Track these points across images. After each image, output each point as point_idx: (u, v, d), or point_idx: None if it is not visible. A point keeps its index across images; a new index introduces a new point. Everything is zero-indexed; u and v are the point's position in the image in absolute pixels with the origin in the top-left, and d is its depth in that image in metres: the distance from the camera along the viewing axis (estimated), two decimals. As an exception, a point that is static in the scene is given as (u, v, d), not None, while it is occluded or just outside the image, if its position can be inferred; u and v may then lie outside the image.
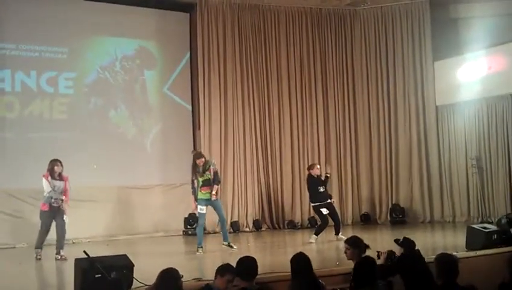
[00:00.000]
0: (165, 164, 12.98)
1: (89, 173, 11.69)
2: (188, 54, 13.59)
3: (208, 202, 9.60)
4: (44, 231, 9.18)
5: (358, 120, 14.40)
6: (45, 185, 9.11)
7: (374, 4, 14.29)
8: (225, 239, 9.74)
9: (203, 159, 9.74)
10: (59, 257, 8.90)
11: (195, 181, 9.65)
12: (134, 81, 13.07)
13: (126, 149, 12.65)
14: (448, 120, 13.56)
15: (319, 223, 11.29)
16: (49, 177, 9.13)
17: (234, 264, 5.38)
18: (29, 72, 11.91)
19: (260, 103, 13.63)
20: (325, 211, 10.51)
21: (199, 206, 9.59)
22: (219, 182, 10.09)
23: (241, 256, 5.58)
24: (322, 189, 10.64)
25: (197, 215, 9.90)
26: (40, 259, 8.92)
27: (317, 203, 10.62)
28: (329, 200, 10.69)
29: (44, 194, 9.10)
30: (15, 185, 11.18)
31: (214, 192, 9.54)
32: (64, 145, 11.75)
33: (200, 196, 9.58)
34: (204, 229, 12.39)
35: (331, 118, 14.20)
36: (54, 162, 9.24)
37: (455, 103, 13.29)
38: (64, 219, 9.16)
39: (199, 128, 13.26)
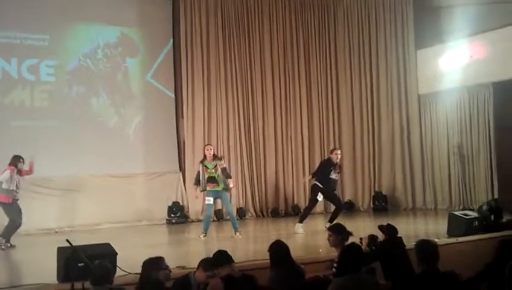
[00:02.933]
0: (148, 153, 12.93)
1: (70, 162, 11.62)
2: (171, 42, 13.50)
3: (216, 193, 9.72)
4: (18, 215, 9.24)
5: (341, 108, 14.47)
6: (6, 177, 9.17)
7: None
8: (235, 229, 9.77)
9: (212, 152, 9.86)
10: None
11: (201, 172, 9.75)
12: (117, 68, 12.96)
13: (108, 138, 12.57)
14: (430, 108, 13.64)
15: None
16: (15, 172, 9.25)
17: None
18: (10, 60, 11.79)
19: (243, 91, 13.62)
20: (320, 196, 10.38)
21: (207, 197, 9.77)
22: (230, 176, 10.05)
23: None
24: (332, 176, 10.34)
25: (206, 205, 9.96)
26: (3, 249, 8.98)
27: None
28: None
29: (4, 186, 9.14)
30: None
31: (231, 185, 9.81)
32: (46, 134, 11.67)
33: (207, 188, 9.74)
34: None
35: (314, 107, 14.25)
36: (17, 158, 9.42)
37: (437, 91, 13.36)
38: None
39: (182, 117, 13.21)
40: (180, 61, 13.22)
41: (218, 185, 9.67)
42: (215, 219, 12.61)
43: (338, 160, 10.48)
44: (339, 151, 10.70)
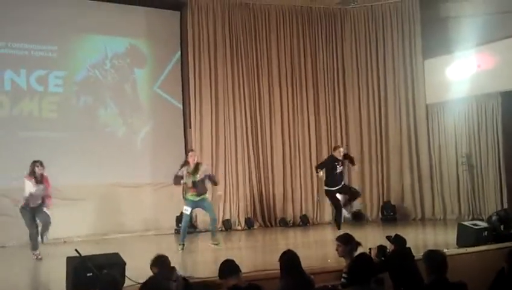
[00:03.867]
0: (156, 163, 12.94)
1: (79, 172, 11.65)
2: (179, 53, 13.56)
3: (196, 203, 9.57)
4: (30, 225, 8.85)
5: (348, 118, 14.44)
6: (27, 186, 8.84)
7: (364, 3, 14.34)
8: (212, 237, 9.73)
9: (195, 158, 9.66)
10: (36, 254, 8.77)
11: (183, 174, 9.53)
12: (125, 79, 13.02)
13: (116, 148, 12.61)
14: (438, 118, 13.62)
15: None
16: (33, 180, 8.86)
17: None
18: (19, 71, 11.86)
19: (251, 102, 13.63)
20: (339, 196, 10.61)
21: (184, 207, 9.56)
22: (217, 183, 10.10)
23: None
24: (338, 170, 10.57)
25: (183, 215, 9.77)
26: (41, 259, 8.76)
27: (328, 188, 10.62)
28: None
29: (25, 194, 8.85)
30: (4, 184, 11.10)
31: (219, 192, 9.66)
32: (54, 144, 11.71)
33: (187, 196, 9.53)
34: (195, 227, 12.50)
35: (322, 117, 14.23)
36: (34, 163, 8.97)
37: (445, 101, 13.35)
38: (45, 209, 8.93)
39: (190, 127, 13.23)
40: (187, 72, 13.27)
41: (196, 192, 9.42)
42: (223, 228, 12.62)
43: (341, 157, 10.68)
44: (341, 149, 10.93)
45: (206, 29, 13.32)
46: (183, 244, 9.43)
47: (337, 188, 10.55)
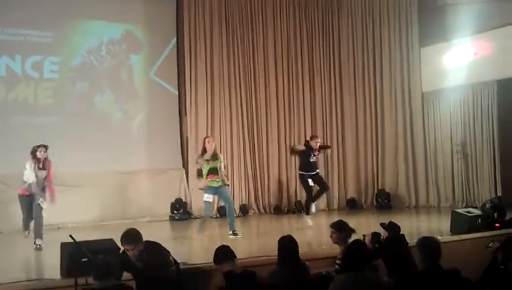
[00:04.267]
0: (151, 149, 12.93)
1: (74, 159, 11.62)
2: (175, 39, 13.49)
3: (215, 190, 9.43)
4: (26, 216, 8.75)
5: (344, 107, 14.43)
6: (27, 173, 8.57)
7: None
8: (231, 228, 9.43)
9: (212, 144, 9.59)
10: (35, 245, 8.42)
11: (201, 163, 9.44)
12: (121, 65, 12.97)
13: (112, 134, 12.58)
14: (434, 106, 13.64)
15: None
16: (34, 166, 8.56)
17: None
18: (14, 57, 11.77)
19: (247, 88, 13.60)
20: (310, 181, 11.16)
21: (205, 195, 9.39)
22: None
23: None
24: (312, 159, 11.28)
25: (204, 203, 9.58)
26: (26, 237, 8.77)
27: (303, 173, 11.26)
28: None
29: (25, 179, 8.59)
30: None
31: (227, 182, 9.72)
32: (50, 130, 11.66)
33: (208, 183, 9.33)
34: (190, 214, 12.53)
35: (318, 105, 14.22)
36: (36, 147, 8.66)
37: (441, 89, 13.36)
38: (40, 202, 8.56)
39: (186, 113, 13.21)
40: (183, 59, 13.22)
41: (218, 177, 9.33)
42: (218, 215, 12.64)
43: (316, 147, 11.42)
44: (318, 140, 11.76)
45: (203, 16, 13.25)
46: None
47: (310, 173, 11.13)
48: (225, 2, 13.49)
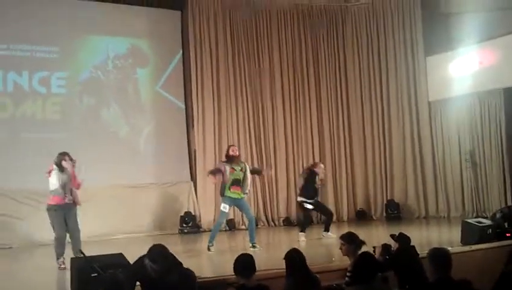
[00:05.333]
0: (159, 163, 12.95)
1: (83, 173, 11.60)
2: (180, 52, 13.57)
3: (234, 201, 9.24)
4: (59, 227, 7.93)
5: (351, 117, 14.41)
6: (52, 180, 8.02)
7: (365, 0, 14.32)
8: (251, 240, 9.29)
9: (237, 152, 9.35)
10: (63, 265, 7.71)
11: (227, 173, 9.13)
12: (127, 79, 13.04)
13: (119, 148, 12.61)
14: (441, 115, 13.59)
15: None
16: (56, 169, 8.02)
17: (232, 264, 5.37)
18: (21, 72, 11.89)
19: (253, 100, 13.63)
20: (309, 206, 10.62)
21: (223, 204, 9.18)
22: (260, 172, 10.36)
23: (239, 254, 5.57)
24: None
25: (220, 212, 9.39)
26: (64, 268, 7.64)
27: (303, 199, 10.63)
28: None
29: (51, 187, 8.03)
30: (7, 185, 11.14)
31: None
32: (57, 145, 11.52)
33: (227, 193, 9.14)
34: (199, 227, 12.52)
35: (325, 116, 14.21)
36: (62, 155, 8.18)
37: (448, 98, 13.32)
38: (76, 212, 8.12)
39: (193, 126, 13.24)
40: (189, 71, 13.27)
41: (241, 190, 9.15)
42: (227, 228, 12.62)
43: (323, 174, 10.92)
44: (322, 166, 11.07)
45: (207, 28, 13.32)
46: (212, 245, 9.15)
47: (311, 200, 10.55)
48: (230, 14, 13.56)
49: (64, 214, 8.04)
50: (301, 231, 10.41)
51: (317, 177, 10.71)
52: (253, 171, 9.78)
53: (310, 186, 10.62)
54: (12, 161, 11.29)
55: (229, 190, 9.13)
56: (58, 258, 7.83)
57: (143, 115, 13.13)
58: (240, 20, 13.66)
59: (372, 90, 14.29)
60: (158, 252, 5.18)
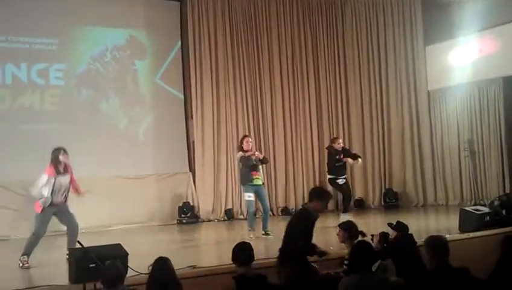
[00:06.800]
0: (158, 154, 12.95)
1: (81, 165, 11.58)
2: (179, 43, 13.52)
3: (256, 188, 9.32)
4: (40, 226, 7.64)
5: (350, 106, 14.42)
6: (41, 183, 7.60)
7: (364, -11, 14.30)
8: (264, 228, 9.45)
9: (250, 143, 9.53)
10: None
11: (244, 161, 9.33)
12: (126, 71, 13.00)
13: (118, 140, 12.59)
14: (440, 104, 13.59)
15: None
16: (54, 174, 7.64)
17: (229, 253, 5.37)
18: (20, 64, 11.85)
19: (252, 91, 13.62)
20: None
21: (247, 194, 9.32)
22: (267, 161, 10.37)
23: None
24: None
25: (246, 202, 9.60)
26: (28, 267, 7.37)
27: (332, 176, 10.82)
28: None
29: (41, 191, 7.61)
30: (6, 178, 11.14)
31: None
32: (56, 137, 11.59)
33: (252, 180, 9.29)
34: (198, 217, 12.56)
35: (324, 105, 14.21)
36: (58, 150, 7.79)
37: (447, 87, 13.31)
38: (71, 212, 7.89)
39: (192, 117, 13.23)
40: (188, 62, 13.25)
41: (260, 175, 9.35)
42: (225, 218, 12.67)
43: (340, 148, 10.91)
44: (340, 140, 11.21)
45: (206, 19, 13.28)
46: (253, 229, 9.28)
47: (340, 177, 10.73)
48: (228, 5, 13.51)
49: (53, 213, 7.81)
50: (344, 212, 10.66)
51: (338, 155, 10.75)
52: (262, 162, 9.85)
53: (333, 164, 10.82)
54: (11, 153, 11.29)
55: (251, 177, 9.26)
56: (23, 255, 7.44)
57: (142, 106, 13.11)
58: (239, 11, 13.61)
59: (372, 79, 14.28)
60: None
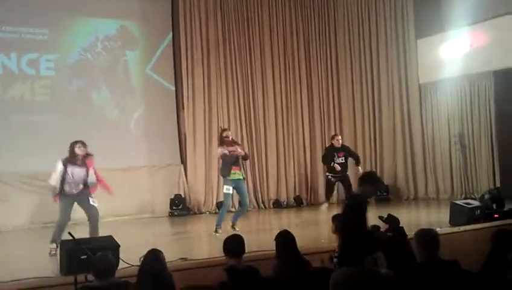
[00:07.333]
0: (150, 145, 12.92)
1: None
2: (171, 34, 13.46)
3: (235, 182, 9.12)
4: (64, 219, 7.68)
5: (341, 98, 14.46)
6: (56, 173, 7.67)
7: (357, -18, 14.29)
8: (233, 220, 9.28)
9: (230, 137, 9.37)
10: None
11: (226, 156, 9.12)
12: (116, 62, 12.94)
13: (109, 131, 12.55)
14: (431, 98, 13.62)
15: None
16: (67, 164, 7.69)
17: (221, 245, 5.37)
18: (10, 54, 11.78)
19: (244, 82, 13.61)
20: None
21: (225, 186, 9.12)
22: (248, 157, 10.11)
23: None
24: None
25: (224, 195, 9.37)
26: (54, 254, 7.22)
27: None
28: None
29: (52, 183, 7.70)
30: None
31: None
32: (46, 128, 11.66)
33: (231, 175, 9.07)
34: (189, 210, 12.53)
35: (315, 97, 14.24)
36: (75, 143, 7.85)
37: (438, 80, 13.33)
38: (92, 202, 7.92)
39: (183, 108, 13.20)
40: (180, 54, 13.20)
41: (241, 170, 9.13)
42: (216, 210, 12.64)
43: (339, 145, 10.99)
44: (339, 137, 11.30)
45: (198, 11, 13.24)
46: (220, 226, 9.01)
47: (337, 175, 10.84)
48: (220, -3, 13.46)
49: (74, 202, 7.85)
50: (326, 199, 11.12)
51: (336, 152, 10.92)
52: (244, 158, 9.59)
53: (327, 160, 11.02)
54: (2, 144, 11.22)
55: (231, 171, 9.06)
56: (51, 242, 7.55)
57: (133, 98, 13.06)
58: (231, 2, 13.57)
59: (363, 72, 14.31)
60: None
